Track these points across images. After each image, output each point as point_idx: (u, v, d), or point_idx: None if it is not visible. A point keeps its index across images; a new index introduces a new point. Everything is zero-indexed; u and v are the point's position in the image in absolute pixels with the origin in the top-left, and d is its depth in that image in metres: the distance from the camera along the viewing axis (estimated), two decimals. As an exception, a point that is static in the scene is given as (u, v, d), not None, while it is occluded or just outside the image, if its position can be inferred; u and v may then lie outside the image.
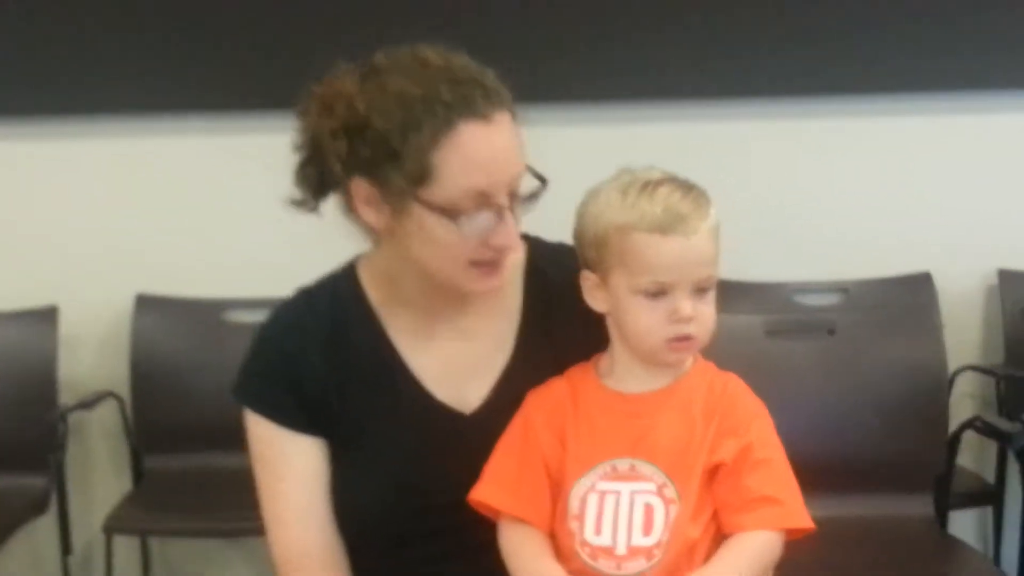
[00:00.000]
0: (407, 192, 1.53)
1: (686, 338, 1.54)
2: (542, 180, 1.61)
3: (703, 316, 1.54)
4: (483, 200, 1.54)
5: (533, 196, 1.60)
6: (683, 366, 1.61)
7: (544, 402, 1.62)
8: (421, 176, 1.52)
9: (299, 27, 3.24)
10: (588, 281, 1.60)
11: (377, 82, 1.55)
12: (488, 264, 1.59)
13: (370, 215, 1.60)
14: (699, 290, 1.54)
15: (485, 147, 1.53)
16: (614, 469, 1.54)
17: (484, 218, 1.54)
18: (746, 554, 1.52)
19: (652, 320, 1.53)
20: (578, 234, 1.61)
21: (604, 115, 3.38)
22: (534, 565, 1.55)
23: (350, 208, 1.62)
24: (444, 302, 1.68)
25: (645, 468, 1.53)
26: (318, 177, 1.62)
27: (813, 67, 3.37)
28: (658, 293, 1.52)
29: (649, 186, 1.54)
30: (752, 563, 1.52)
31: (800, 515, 1.54)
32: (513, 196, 1.57)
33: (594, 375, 1.63)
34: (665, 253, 1.51)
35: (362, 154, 1.54)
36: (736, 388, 1.60)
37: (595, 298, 1.60)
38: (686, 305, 1.52)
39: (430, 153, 1.51)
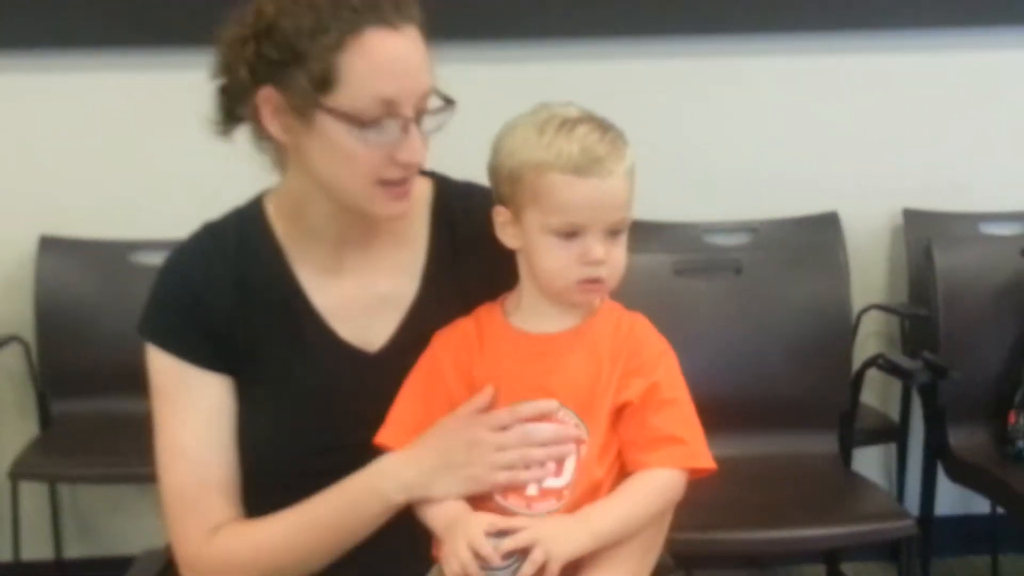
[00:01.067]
0: (312, 97, 1.52)
1: (596, 280, 1.53)
2: (449, 102, 1.59)
3: (614, 259, 1.54)
4: (389, 109, 1.52)
5: (440, 114, 1.58)
6: (591, 306, 1.60)
7: (450, 342, 1.61)
8: (326, 80, 1.51)
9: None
10: (500, 216, 1.58)
11: None
12: (394, 184, 1.57)
13: (276, 128, 1.58)
14: (612, 233, 1.53)
15: (391, 54, 1.52)
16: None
17: (390, 128, 1.53)
18: (646, 490, 1.53)
19: (563, 260, 1.52)
20: (492, 168, 1.59)
21: (519, 53, 3.37)
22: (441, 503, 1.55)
23: (257, 123, 1.59)
24: (351, 234, 1.66)
25: (559, 411, 1.53)
26: (231, 95, 1.60)
27: (721, 5, 3.38)
28: (570, 234, 1.51)
29: (567, 124, 1.53)
30: (653, 499, 1.53)
31: (703, 455, 1.55)
32: (420, 112, 1.55)
33: (501, 314, 1.62)
34: (580, 195, 1.50)
35: (269, 57, 1.54)
36: (642, 328, 1.60)
37: (506, 234, 1.59)
38: (598, 248, 1.51)
39: (336, 56, 1.50)
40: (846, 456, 2.85)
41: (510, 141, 1.56)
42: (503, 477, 1.52)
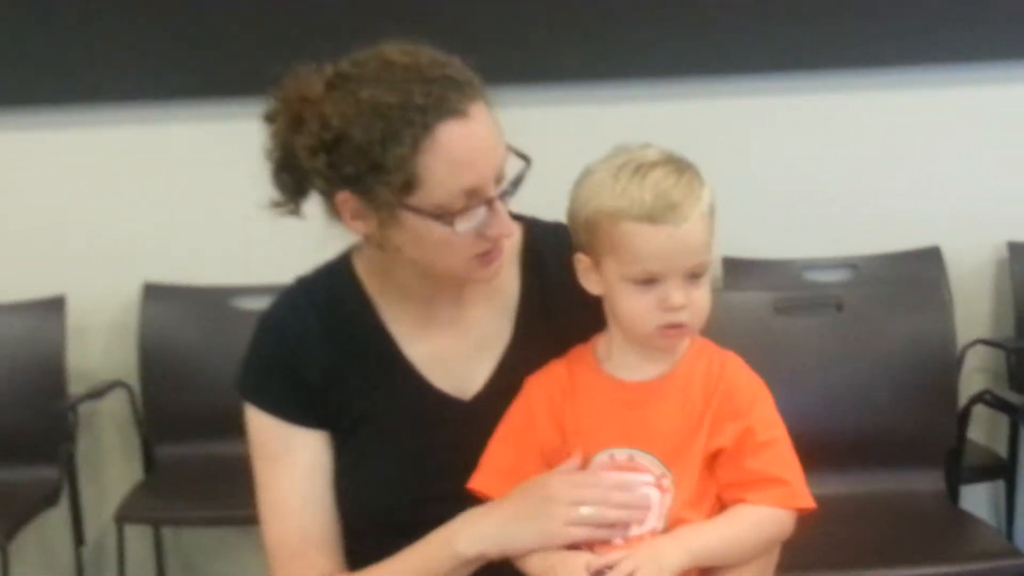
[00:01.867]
0: (395, 202, 1.51)
1: (678, 326, 1.52)
2: (525, 159, 1.59)
3: (696, 303, 1.52)
4: (473, 196, 1.52)
5: (519, 178, 1.58)
6: (679, 350, 1.59)
7: (543, 388, 1.60)
8: (408, 185, 1.50)
9: (292, 10, 3.24)
10: (582, 264, 1.58)
11: (346, 91, 1.52)
12: (489, 254, 1.58)
13: (360, 227, 1.57)
14: (691, 276, 1.51)
15: (467, 144, 1.51)
16: (612, 459, 1.53)
17: (477, 214, 1.53)
18: (746, 518, 1.51)
19: (643, 308, 1.51)
20: (571, 216, 1.58)
21: (605, 94, 3.36)
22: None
23: (337, 217, 1.59)
24: (440, 291, 1.66)
25: (644, 459, 1.52)
26: (294, 183, 1.59)
27: (817, 41, 3.36)
28: (649, 281, 1.50)
29: (641, 169, 1.51)
30: (752, 529, 1.52)
31: (803, 495, 1.53)
32: (500, 183, 1.55)
33: (593, 359, 1.61)
34: (654, 243, 1.48)
35: (344, 170, 1.51)
36: (735, 368, 1.58)
37: (589, 280, 1.58)
38: (678, 295, 1.49)
39: (413, 161, 1.49)
40: (953, 494, 2.78)
41: (586, 188, 1.55)
42: (578, 533, 1.50)
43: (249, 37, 3.28)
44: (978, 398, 2.91)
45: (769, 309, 2.88)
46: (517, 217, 1.73)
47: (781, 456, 1.53)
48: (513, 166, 1.59)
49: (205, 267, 3.42)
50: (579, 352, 1.63)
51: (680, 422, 1.53)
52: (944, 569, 2.49)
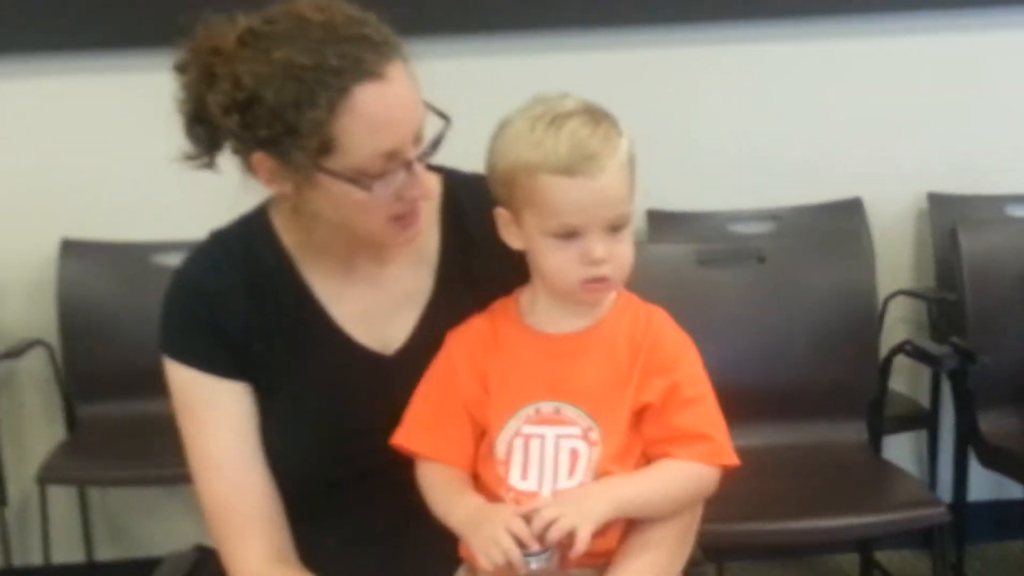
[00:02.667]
0: (311, 166, 1.49)
1: (601, 279, 1.50)
2: (445, 118, 1.57)
3: (618, 256, 1.50)
4: (391, 159, 1.50)
5: (438, 139, 1.56)
6: (604, 303, 1.58)
7: (465, 342, 1.59)
8: (324, 148, 1.48)
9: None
10: (502, 218, 1.56)
11: (259, 49, 1.49)
12: (406, 217, 1.57)
13: (275, 187, 1.56)
14: (612, 229, 1.49)
15: (384, 107, 1.48)
16: (538, 412, 1.53)
17: (396, 177, 1.51)
18: (671, 472, 1.51)
19: (564, 262, 1.49)
20: (489, 168, 1.56)
21: (526, 44, 3.34)
22: (457, 497, 1.53)
23: (253, 176, 1.56)
24: (359, 247, 1.65)
25: (570, 411, 1.52)
26: (209, 138, 1.57)
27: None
28: (569, 235, 1.48)
29: (557, 120, 1.48)
30: (678, 482, 1.52)
31: (728, 452, 1.54)
32: (419, 144, 1.53)
33: (516, 313, 1.60)
34: (572, 195, 1.46)
35: (258, 132, 1.49)
36: (661, 323, 1.57)
37: (510, 234, 1.56)
38: (599, 247, 1.48)
39: (329, 124, 1.46)
40: (876, 444, 2.82)
41: (503, 140, 1.53)
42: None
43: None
44: (899, 348, 2.93)
45: (692, 261, 2.89)
46: (436, 168, 1.71)
47: (707, 413, 1.53)
48: (432, 125, 1.57)
49: (124, 223, 3.37)
50: (501, 305, 1.62)
51: (606, 375, 1.52)
52: (868, 519, 2.53)
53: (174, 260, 3.16)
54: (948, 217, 3.30)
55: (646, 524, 1.53)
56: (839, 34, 3.42)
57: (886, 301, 3.28)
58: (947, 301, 3.20)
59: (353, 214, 1.55)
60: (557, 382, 1.53)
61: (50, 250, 3.34)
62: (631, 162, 1.51)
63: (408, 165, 1.51)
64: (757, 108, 3.46)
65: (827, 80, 3.46)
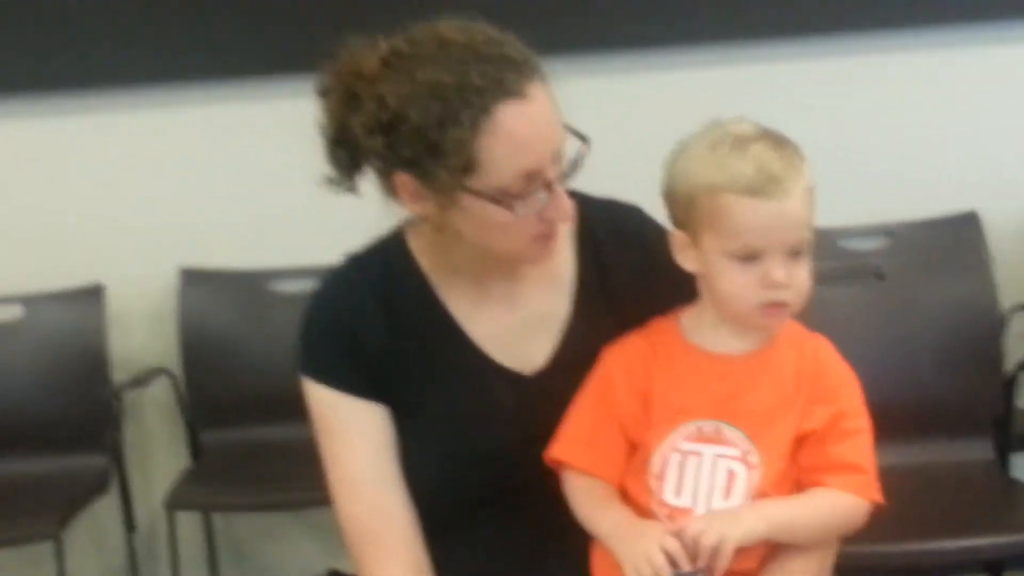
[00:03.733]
0: (454, 185, 1.52)
1: (779, 304, 1.51)
2: (583, 139, 1.58)
3: (797, 281, 1.51)
4: (533, 178, 1.52)
5: (578, 159, 1.57)
6: (773, 329, 1.58)
7: (622, 358, 1.60)
8: (467, 167, 1.50)
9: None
10: (678, 240, 1.57)
11: (402, 70, 1.52)
12: (548, 236, 1.58)
13: (417, 208, 1.58)
14: (793, 253, 1.50)
15: (526, 126, 1.51)
16: (699, 430, 1.53)
17: (537, 197, 1.53)
18: (825, 501, 1.52)
19: (744, 285, 1.50)
20: (666, 192, 1.57)
21: (636, 63, 3.33)
22: (605, 509, 1.55)
23: (395, 198, 1.60)
24: (493, 269, 1.67)
25: (730, 432, 1.52)
26: (350, 159, 1.60)
27: (852, 2, 3.33)
28: (750, 257, 1.49)
29: (740, 142, 1.50)
30: (829, 511, 1.53)
31: (878, 490, 1.55)
32: (559, 164, 1.55)
33: (678, 332, 1.61)
34: (757, 217, 1.47)
35: (402, 152, 1.52)
36: (826, 353, 1.59)
37: (686, 257, 1.57)
38: (779, 271, 1.49)
39: (472, 143, 1.49)
40: (1004, 462, 2.78)
41: (683, 163, 1.54)
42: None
43: (289, 13, 3.26)
44: (1024, 364, 2.89)
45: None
46: (570, 193, 1.74)
47: (864, 446, 1.55)
48: (570, 146, 1.59)
49: (242, 251, 3.42)
50: (660, 324, 1.63)
51: (771, 400, 1.53)
52: (997, 539, 2.50)
53: (291, 287, 3.28)
54: (1068, 227, 3.25)
55: (788, 555, 1.54)
56: (950, 44, 3.37)
57: (1008, 315, 3.23)
58: (1071, 313, 3.15)
59: (495, 234, 1.56)
60: (720, 402, 1.54)
61: (170, 279, 3.40)
62: (812, 188, 1.53)
63: (549, 185, 1.53)
64: (867, 121, 3.43)
65: (938, 91, 3.41)
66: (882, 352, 2.85)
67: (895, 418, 2.68)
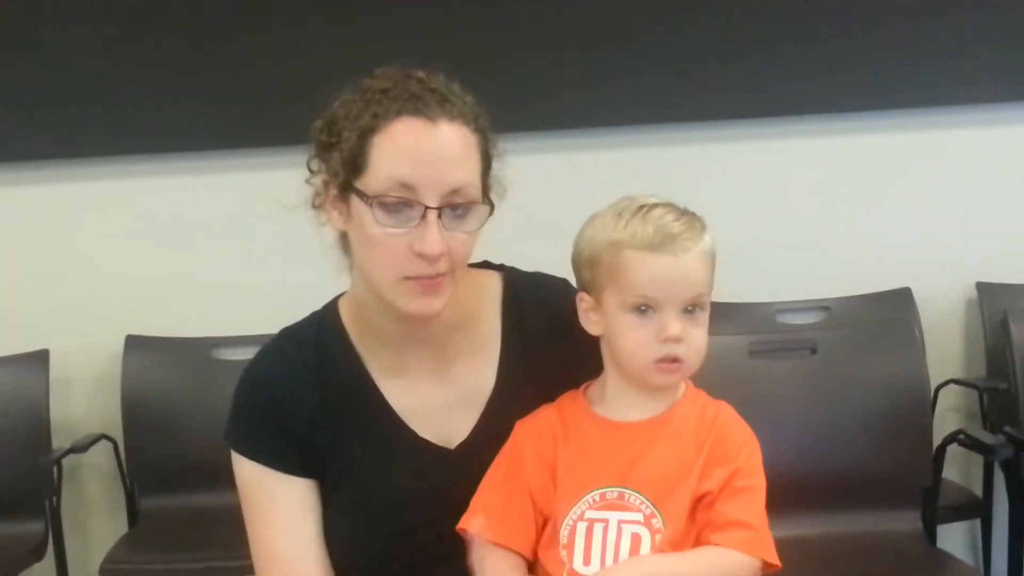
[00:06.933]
0: (346, 181, 1.55)
1: (674, 359, 1.54)
2: (491, 204, 1.60)
3: (693, 339, 1.55)
4: (408, 193, 1.52)
5: (466, 206, 1.56)
6: (675, 393, 1.62)
7: (532, 432, 1.63)
8: (356, 162, 1.54)
9: (283, 69, 3.29)
10: (583, 303, 1.61)
11: (362, 84, 1.59)
12: (421, 280, 1.56)
13: (334, 216, 1.61)
14: (689, 311, 1.54)
15: (416, 140, 1.53)
16: (603, 497, 1.56)
17: (408, 215, 1.53)
18: (708, 557, 1.52)
19: (640, 338, 1.54)
20: (574, 257, 1.62)
21: (575, 141, 3.42)
22: None
23: (319, 209, 1.63)
24: (412, 337, 1.68)
25: (633, 497, 1.55)
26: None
27: (788, 88, 3.42)
28: (646, 309, 1.53)
29: (643, 208, 1.56)
30: (707, 568, 1.52)
31: (768, 548, 1.54)
32: (449, 206, 1.54)
33: (584, 403, 1.64)
34: (653, 269, 1.52)
35: (322, 144, 1.59)
36: (727, 416, 1.61)
37: (589, 320, 1.61)
38: (674, 324, 1.53)
39: (367, 139, 1.53)
40: (931, 533, 2.80)
41: (590, 229, 1.60)
42: None
43: (230, 92, 3.33)
44: (952, 438, 2.93)
45: (744, 352, 2.92)
46: (497, 267, 1.78)
47: (752, 504, 1.55)
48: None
49: (186, 320, 3.45)
50: (570, 396, 1.66)
51: (671, 464, 1.55)
52: (923, 608, 2.52)
53: (234, 355, 3.30)
54: (998, 306, 3.31)
55: None
56: (884, 128, 3.46)
57: (937, 390, 3.29)
58: (998, 390, 3.20)
59: (371, 255, 1.57)
60: (623, 468, 1.56)
61: (116, 346, 3.42)
62: (712, 254, 1.57)
63: (424, 214, 1.53)
64: (806, 201, 3.51)
65: (875, 172, 3.50)
66: (816, 423, 2.88)
67: (827, 488, 2.75)
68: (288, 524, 1.69)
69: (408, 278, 1.56)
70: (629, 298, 1.54)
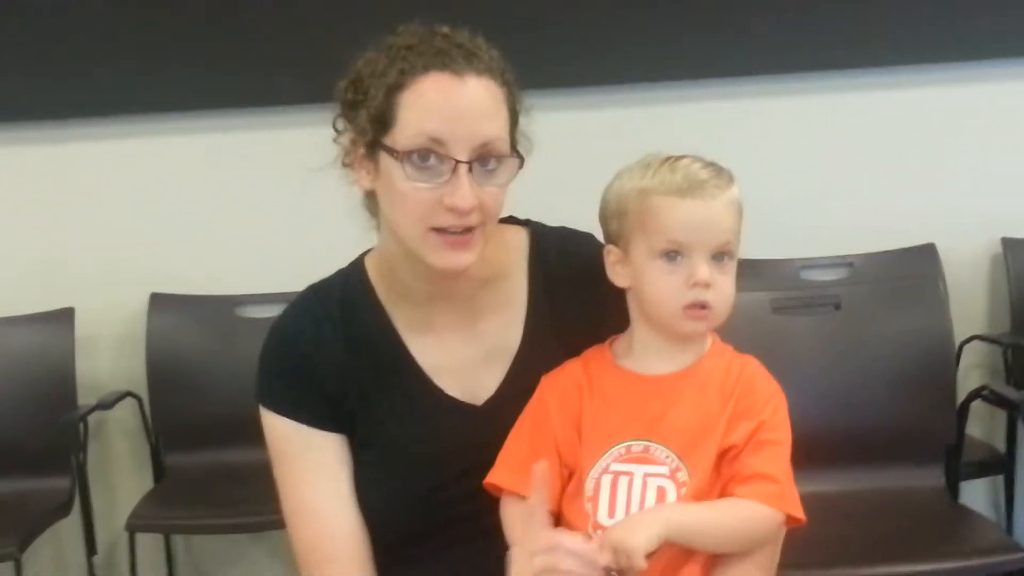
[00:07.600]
0: (373, 136, 1.55)
1: (703, 305, 1.54)
2: (520, 157, 1.59)
3: (721, 285, 1.55)
4: (437, 147, 1.52)
5: (499, 164, 1.56)
6: (701, 346, 1.61)
7: (558, 386, 1.63)
8: (383, 118, 1.54)
9: (308, 26, 3.28)
10: (611, 256, 1.61)
11: (386, 42, 1.59)
12: (449, 234, 1.56)
13: (363, 175, 1.60)
14: (717, 259, 1.54)
15: (444, 96, 1.53)
16: (628, 450, 1.56)
17: (438, 170, 1.52)
18: (733, 509, 1.52)
19: (670, 285, 1.54)
20: (602, 209, 1.62)
21: (602, 98, 3.40)
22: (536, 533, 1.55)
23: (348, 167, 1.63)
24: (439, 293, 1.68)
25: (659, 451, 1.54)
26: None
27: (813, 43, 3.40)
28: (675, 255, 1.54)
29: (671, 159, 1.57)
30: (737, 519, 1.52)
31: (794, 503, 1.54)
32: (479, 160, 1.54)
33: (610, 356, 1.64)
34: (682, 214, 1.53)
35: (349, 101, 1.58)
36: (753, 370, 1.61)
37: (617, 273, 1.61)
38: (703, 269, 1.53)
39: (394, 95, 1.53)
40: (953, 489, 2.81)
41: (617, 183, 1.61)
42: None
43: (254, 49, 3.32)
44: (976, 394, 2.93)
45: (768, 309, 2.92)
46: (523, 222, 1.78)
47: (777, 457, 1.55)
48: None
49: (211, 277, 3.46)
50: (596, 350, 1.66)
51: (697, 417, 1.55)
52: (945, 565, 2.51)
53: (258, 312, 3.31)
54: (1023, 261, 3.30)
55: (724, 568, 1.56)
56: (913, 83, 3.44)
57: (961, 346, 3.28)
58: (1022, 346, 3.19)
59: (399, 210, 1.56)
60: (649, 422, 1.56)
61: (140, 304, 3.43)
62: (739, 206, 1.57)
63: (454, 168, 1.53)
64: (831, 156, 3.49)
65: (900, 127, 3.48)
66: (839, 380, 2.89)
67: (850, 444, 2.76)
68: (321, 479, 1.69)
69: (436, 229, 1.55)
70: (658, 244, 1.54)
